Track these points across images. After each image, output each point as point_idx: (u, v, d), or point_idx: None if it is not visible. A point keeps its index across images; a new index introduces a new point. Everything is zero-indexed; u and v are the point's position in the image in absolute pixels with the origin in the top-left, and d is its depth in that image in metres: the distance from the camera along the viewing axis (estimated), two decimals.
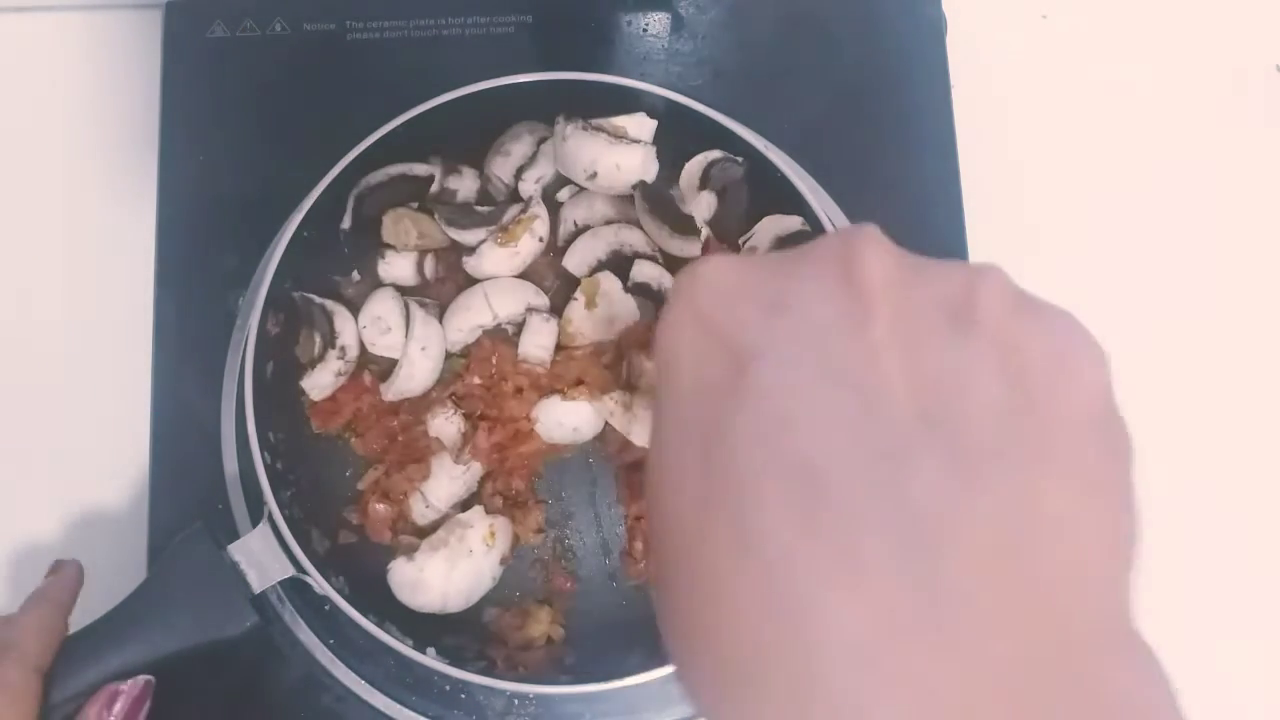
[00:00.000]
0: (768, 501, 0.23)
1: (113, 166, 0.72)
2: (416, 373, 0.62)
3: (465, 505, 0.62)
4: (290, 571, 0.56)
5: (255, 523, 0.57)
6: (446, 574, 0.59)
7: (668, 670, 0.54)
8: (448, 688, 0.61)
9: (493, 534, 0.61)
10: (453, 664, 0.56)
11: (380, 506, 0.62)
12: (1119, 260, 0.71)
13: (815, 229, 0.61)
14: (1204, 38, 0.75)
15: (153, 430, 0.65)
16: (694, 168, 0.65)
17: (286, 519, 0.56)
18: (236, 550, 0.56)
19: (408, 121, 0.61)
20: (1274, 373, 0.70)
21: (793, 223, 0.62)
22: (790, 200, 0.62)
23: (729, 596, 0.23)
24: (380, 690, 0.61)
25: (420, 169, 0.65)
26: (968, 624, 0.22)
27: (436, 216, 0.64)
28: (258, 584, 0.56)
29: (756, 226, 0.64)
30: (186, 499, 0.63)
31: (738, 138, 0.62)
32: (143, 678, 0.52)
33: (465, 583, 0.60)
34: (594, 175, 0.62)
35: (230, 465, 0.64)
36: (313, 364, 0.62)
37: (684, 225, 0.63)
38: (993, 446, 0.23)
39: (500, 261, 0.64)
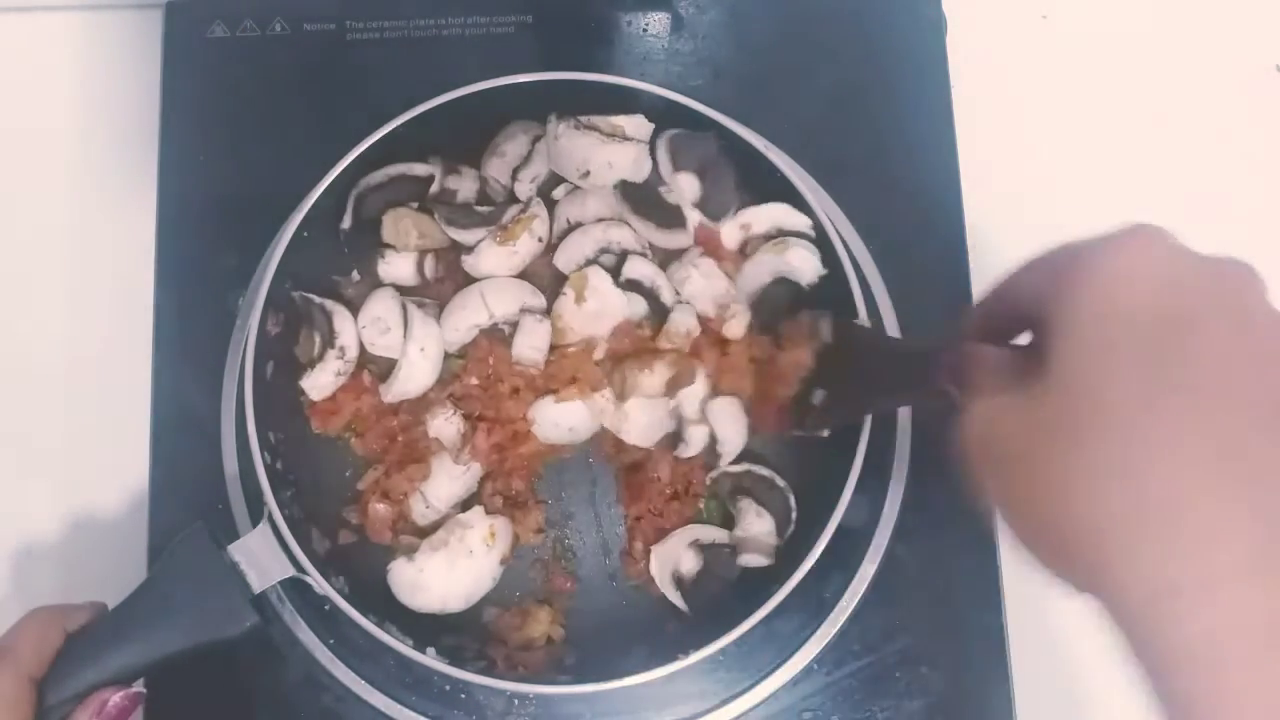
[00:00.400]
0: (1211, 413, 0.32)
1: (113, 166, 0.72)
2: (415, 374, 0.62)
3: (465, 505, 0.62)
4: (290, 571, 0.56)
5: (255, 523, 0.57)
6: (446, 574, 0.59)
7: (668, 670, 0.54)
8: (448, 688, 0.61)
9: (493, 534, 0.61)
10: (453, 664, 0.56)
11: (380, 507, 0.62)
12: None
13: (815, 229, 0.62)
14: (1204, 38, 0.76)
15: (153, 430, 0.65)
16: (662, 152, 0.65)
17: (286, 519, 0.56)
18: (236, 550, 0.56)
19: (407, 121, 0.61)
20: None
21: (799, 220, 0.63)
22: (790, 200, 0.62)
23: (1146, 467, 0.33)
24: (380, 690, 0.61)
25: (420, 169, 0.64)
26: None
27: (436, 216, 0.64)
28: (258, 584, 0.56)
29: (760, 210, 0.64)
30: (186, 499, 0.63)
31: (738, 137, 0.62)
32: (135, 690, 0.52)
33: (465, 583, 0.60)
34: (587, 174, 0.62)
35: (230, 465, 0.64)
36: (312, 364, 0.62)
37: (669, 218, 0.63)
38: None
39: (499, 261, 0.64)
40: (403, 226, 0.64)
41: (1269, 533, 0.31)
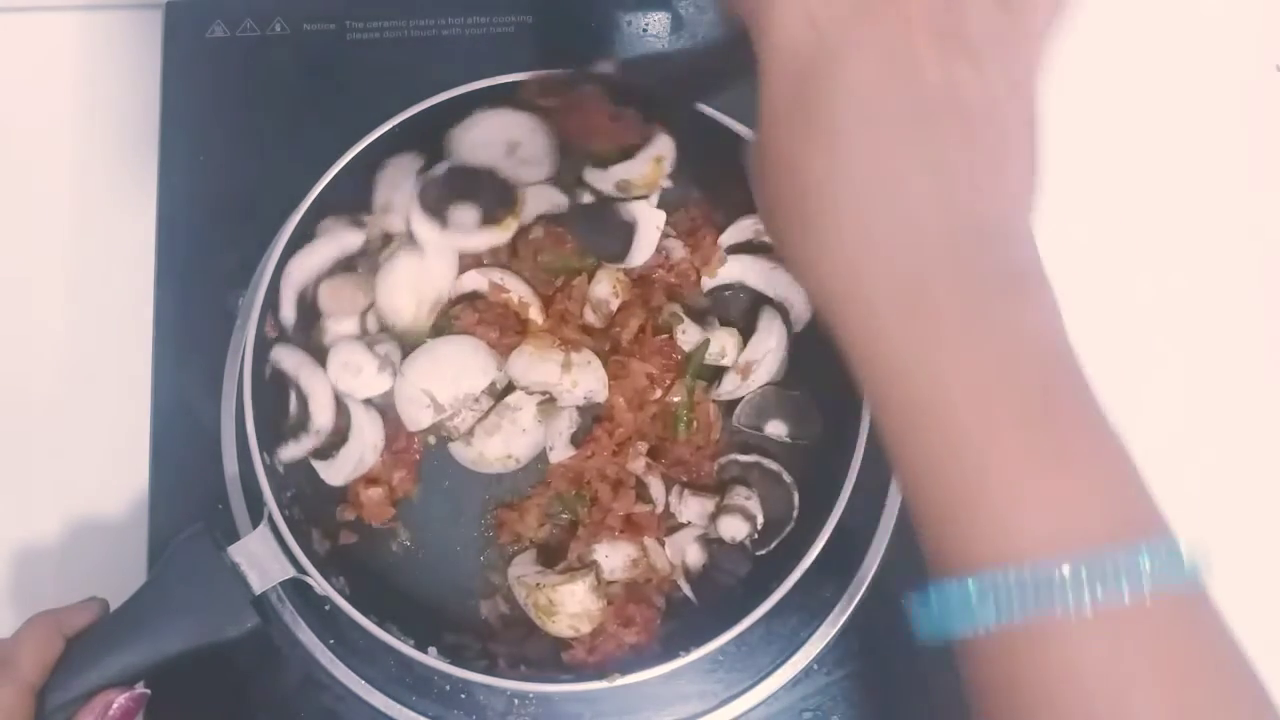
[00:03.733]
0: (849, 124, 0.37)
1: (113, 166, 0.72)
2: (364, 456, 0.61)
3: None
4: (291, 572, 0.56)
5: (255, 524, 0.57)
6: (505, 446, 0.61)
7: (667, 669, 0.55)
8: (448, 688, 0.61)
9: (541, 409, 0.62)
10: (454, 663, 0.56)
11: (373, 491, 0.61)
12: (1119, 259, 0.71)
13: None
14: (1204, 38, 0.75)
15: (153, 431, 0.65)
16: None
17: (287, 520, 0.56)
18: (237, 551, 0.56)
19: (406, 120, 0.61)
20: (1275, 371, 0.70)
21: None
22: None
23: (817, 181, 0.37)
24: (380, 690, 0.61)
25: (351, 239, 0.61)
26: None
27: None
28: (258, 585, 0.56)
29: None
30: (187, 500, 0.63)
31: (738, 138, 0.62)
32: (139, 690, 0.52)
33: (526, 448, 0.62)
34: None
35: (230, 466, 0.64)
36: (284, 438, 0.60)
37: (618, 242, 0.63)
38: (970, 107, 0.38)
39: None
40: (344, 295, 0.61)
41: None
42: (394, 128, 0.61)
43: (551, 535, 0.63)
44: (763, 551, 0.61)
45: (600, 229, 0.63)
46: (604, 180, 0.64)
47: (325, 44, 0.72)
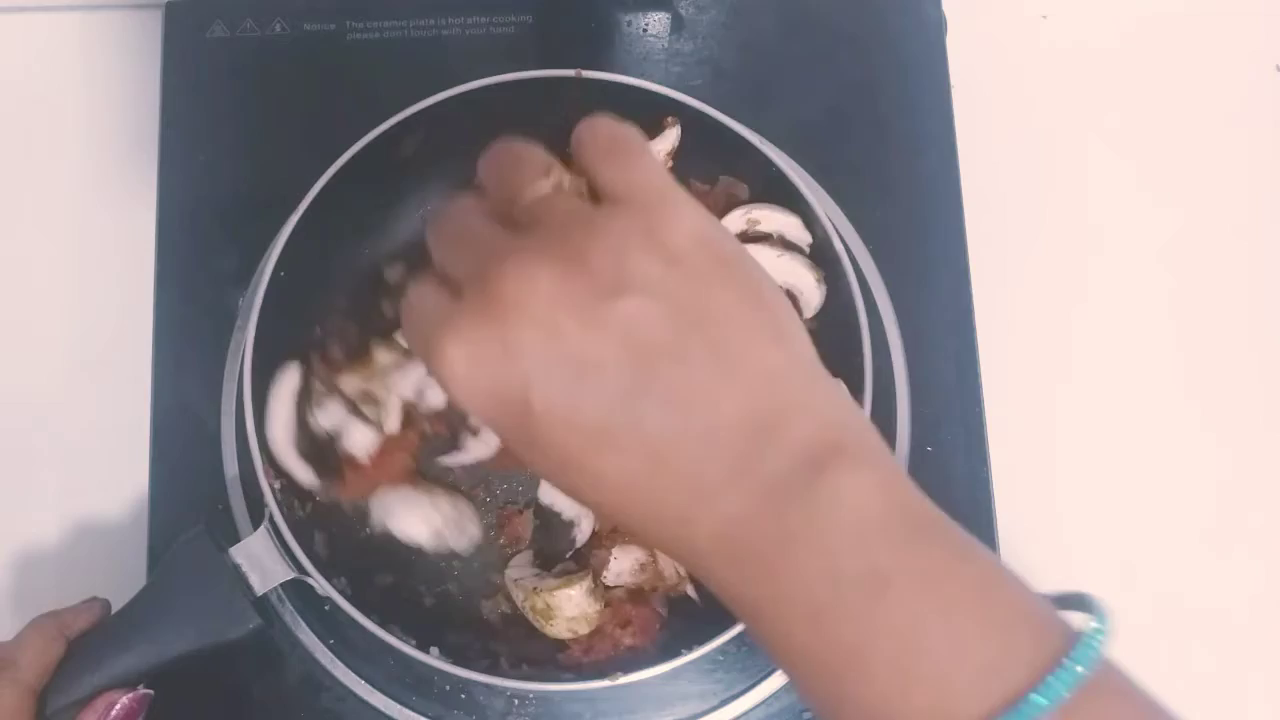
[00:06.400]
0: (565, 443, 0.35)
1: (112, 166, 0.72)
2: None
3: None
4: (292, 573, 0.56)
5: (256, 525, 0.57)
6: None
7: (668, 668, 0.55)
8: (448, 688, 0.61)
9: None
10: (456, 663, 0.56)
11: None
12: (1119, 260, 0.71)
13: (817, 231, 0.62)
14: (1204, 38, 0.76)
15: (153, 432, 0.65)
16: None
17: (287, 520, 0.56)
18: (238, 553, 0.56)
19: (403, 120, 0.61)
20: (1276, 372, 0.70)
21: (803, 236, 0.63)
22: (790, 200, 0.62)
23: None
24: (380, 690, 0.61)
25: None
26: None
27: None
28: (260, 586, 0.56)
29: (773, 214, 0.63)
30: (187, 501, 0.63)
31: (738, 137, 0.62)
32: (141, 691, 0.52)
33: None
34: None
35: (231, 467, 0.64)
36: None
37: None
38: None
39: None
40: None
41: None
42: (391, 126, 0.61)
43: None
44: None
45: None
46: None
47: (325, 44, 0.72)
